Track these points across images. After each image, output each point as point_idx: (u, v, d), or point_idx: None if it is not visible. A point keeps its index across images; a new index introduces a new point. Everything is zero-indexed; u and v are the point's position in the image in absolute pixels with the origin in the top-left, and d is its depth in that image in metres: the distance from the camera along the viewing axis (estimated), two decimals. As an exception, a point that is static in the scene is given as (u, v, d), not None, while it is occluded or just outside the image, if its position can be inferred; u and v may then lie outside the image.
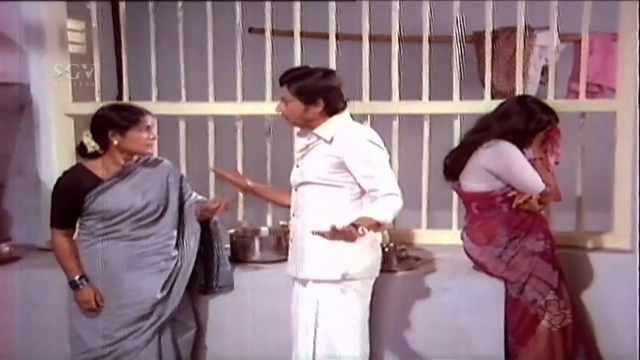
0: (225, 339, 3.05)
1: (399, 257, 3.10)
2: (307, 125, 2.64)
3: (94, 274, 2.76)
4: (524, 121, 2.94)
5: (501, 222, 2.93)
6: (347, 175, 2.57)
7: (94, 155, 2.79)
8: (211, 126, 3.60)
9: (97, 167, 2.78)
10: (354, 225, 2.34)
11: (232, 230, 3.23)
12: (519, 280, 2.89)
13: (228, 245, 3.17)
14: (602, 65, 3.98)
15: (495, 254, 2.93)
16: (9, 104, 3.52)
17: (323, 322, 2.62)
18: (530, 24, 3.57)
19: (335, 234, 2.33)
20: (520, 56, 3.44)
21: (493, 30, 3.48)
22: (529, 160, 2.93)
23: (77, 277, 2.73)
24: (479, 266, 3.01)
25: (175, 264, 2.85)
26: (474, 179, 2.97)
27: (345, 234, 2.33)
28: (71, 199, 2.74)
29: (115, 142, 2.73)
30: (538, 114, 2.96)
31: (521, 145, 2.94)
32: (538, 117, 2.95)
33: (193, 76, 3.58)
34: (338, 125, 2.61)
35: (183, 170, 3.61)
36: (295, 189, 2.70)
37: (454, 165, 3.05)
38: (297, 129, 2.75)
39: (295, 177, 2.70)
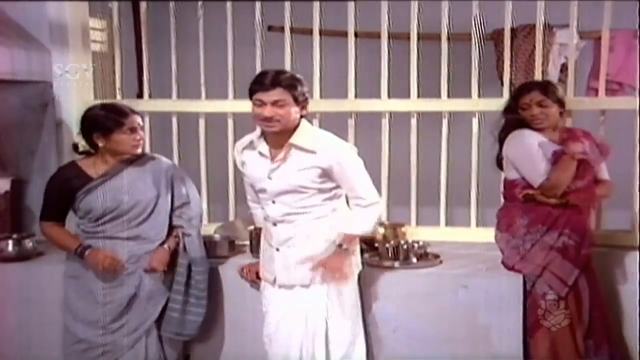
0: (235, 336, 3.08)
1: (418, 255, 3.11)
2: (285, 130, 2.60)
3: (85, 268, 2.78)
4: (515, 103, 2.96)
5: (522, 211, 2.94)
6: (328, 181, 2.62)
7: (90, 153, 2.82)
8: (231, 124, 3.62)
9: (90, 166, 2.79)
10: (340, 246, 2.62)
11: (251, 227, 3.24)
12: (533, 273, 2.88)
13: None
14: (624, 62, 3.94)
15: (512, 244, 2.94)
16: (33, 101, 3.57)
17: (314, 325, 2.66)
18: (550, 21, 3.54)
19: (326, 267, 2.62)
20: (539, 54, 3.42)
21: (512, 28, 3.48)
22: (555, 153, 2.89)
23: (77, 246, 2.77)
24: (500, 251, 3.03)
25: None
26: (506, 168, 3.04)
27: (335, 264, 2.63)
28: (59, 195, 2.79)
29: (100, 144, 2.74)
30: (520, 93, 2.96)
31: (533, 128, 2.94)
32: (520, 95, 2.94)
33: (213, 74, 3.60)
34: (313, 133, 2.66)
35: (202, 168, 3.65)
36: (273, 201, 2.67)
37: (497, 160, 3.09)
38: (250, 139, 2.70)
39: (273, 187, 2.65)
